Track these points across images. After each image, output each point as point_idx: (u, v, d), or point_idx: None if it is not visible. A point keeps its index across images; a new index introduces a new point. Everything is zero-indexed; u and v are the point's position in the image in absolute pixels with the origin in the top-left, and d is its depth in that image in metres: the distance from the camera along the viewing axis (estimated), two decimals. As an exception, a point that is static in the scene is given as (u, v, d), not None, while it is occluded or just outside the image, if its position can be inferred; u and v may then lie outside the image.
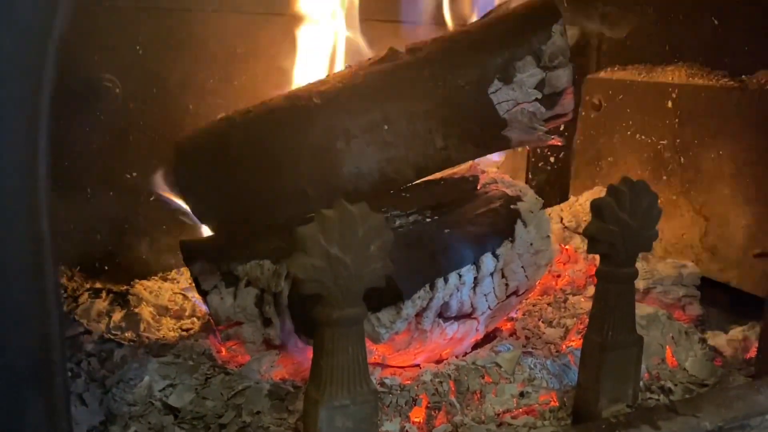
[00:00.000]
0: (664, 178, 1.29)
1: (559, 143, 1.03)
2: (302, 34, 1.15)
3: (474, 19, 1.05)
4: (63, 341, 0.46)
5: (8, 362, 0.43)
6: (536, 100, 0.95)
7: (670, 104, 1.27)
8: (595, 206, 0.79)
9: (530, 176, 1.52)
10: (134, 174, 1.16)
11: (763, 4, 1.14)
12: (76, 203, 1.13)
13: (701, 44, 1.26)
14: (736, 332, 1.08)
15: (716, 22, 1.22)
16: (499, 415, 0.86)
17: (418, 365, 0.93)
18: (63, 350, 0.45)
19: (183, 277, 1.21)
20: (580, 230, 1.31)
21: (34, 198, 0.43)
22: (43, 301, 0.44)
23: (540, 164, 1.53)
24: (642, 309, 1.03)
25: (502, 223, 0.98)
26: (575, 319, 1.09)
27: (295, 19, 1.14)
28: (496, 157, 1.15)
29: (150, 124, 1.16)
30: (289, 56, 1.15)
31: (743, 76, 1.17)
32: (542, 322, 1.10)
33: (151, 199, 1.17)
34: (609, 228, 0.78)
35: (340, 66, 1.14)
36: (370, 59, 1.02)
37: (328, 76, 1.03)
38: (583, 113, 1.45)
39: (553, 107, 0.96)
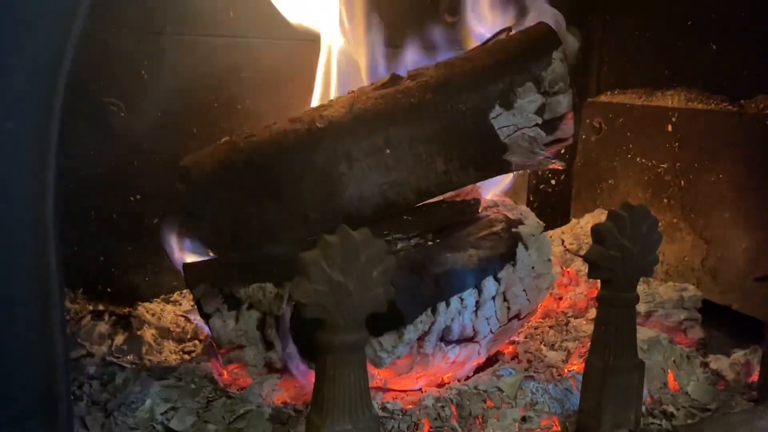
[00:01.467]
0: (665, 201, 1.29)
1: (560, 167, 1.04)
2: (306, 59, 1.16)
3: (475, 45, 1.06)
4: (68, 371, 0.46)
5: (13, 393, 0.43)
6: (537, 125, 0.96)
7: (670, 128, 1.28)
8: (596, 231, 0.79)
9: (531, 198, 1.53)
10: (138, 197, 1.17)
11: (760, 30, 1.15)
12: (80, 225, 1.14)
13: (700, 69, 1.27)
14: (738, 356, 1.08)
15: (715, 47, 1.23)
16: (501, 439, 0.86)
17: (420, 389, 0.93)
18: (68, 380, 0.46)
19: (185, 300, 1.21)
20: (582, 253, 1.31)
21: (42, 230, 0.44)
22: (49, 331, 0.44)
23: (541, 187, 1.53)
24: (643, 333, 1.03)
25: (503, 246, 0.99)
26: (577, 342, 1.09)
27: (299, 44, 1.16)
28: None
29: (154, 148, 1.17)
30: (293, 81, 1.16)
31: (742, 101, 1.19)
32: (544, 345, 1.10)
33: (155, 221, 1.17)
34: (609, 253, 0.78)
35: (343, 91, 1.16)
36: (372, 84, 1.03)
37: (331, 100, 1.04)
38: (584, 136, 1.46)
39: (554, 132, 0.97)
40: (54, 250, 0.45)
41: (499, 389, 0.91)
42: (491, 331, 0.96)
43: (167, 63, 1.16)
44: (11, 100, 0.41)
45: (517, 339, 1.11)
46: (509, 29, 1.04)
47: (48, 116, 0.42)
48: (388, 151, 0.96)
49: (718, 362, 1.07)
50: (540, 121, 0.96)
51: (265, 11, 1.14)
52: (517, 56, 0.97)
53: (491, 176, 1.08)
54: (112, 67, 1.12)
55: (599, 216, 1.37)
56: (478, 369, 1.00)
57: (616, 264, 0.79)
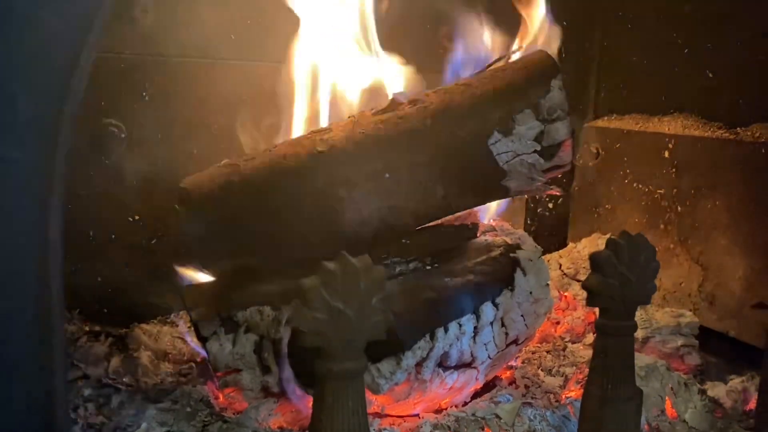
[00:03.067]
0: (662, 226, 1.30)
1: (558, 193, 1.04)
2: (307, 82, 1.17)
3: (475, 71, 1.07)
4: (67, 399, 0.46)
5: (12, 423, 0.42)
6: (535, 151, 0.96)
7: (666, 154, 1.29)
8: (594, 260, 0.79)
9: (529, 222, 1.53)
10: (136, 217, 1.17)
11: (755, 59, 1.17)
12: (78, 246, 1.14)
13: (697, 96, 1.29)
14: (736, 383, 1.08)
15: (711, 75, 1.25)
16: (498, 467, 0.86)
17: (417, 415, 0.93)
18: (67, 408, 0.45)
19: (182, 321, 1.21)
20: (579, 277, 1.32)
21: (45, 257, 0.44)
22: (49, 359, 0.44)
23: (539, 211, 1.54)
24: (641, 359, 1.03)
25: (501, 271, 0.99)
26: (574, 367, 1.09)
27: (300, 68, 1.17)
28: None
29: (154, 169, 1.17)
30: (294, 104, 1.17)
31: (738, 129, 1.20)
32: (541, 370, 1.10)
33: (153, 242, 1.17)
34: (608, 281, 0.79)
35: (344, 115, 1.16)
36: (372, 109, 1.04)
37: (331, 124, 1.05)
38: (581, 161, 1.47)
39: (552, 158, 0.97)
40: (56, 276, 0.45)
41: (497, 416, 0.91)
42: (489, 357, 0.95)
43: (168, 85, 1.17)
44: (18, 130, 0.41)
45: (514, 364, 1.11)
46: (508, 56, 1.05)
47: (54, 145, 0.43)
48: (387, 176, 0.96)
49: (716, 389, 1.08)
50: (538, 147, 0.96)
51: (266, 35, 1.15)
52: (515, 83, 0.98)
53: (490, 201, 1.08)
54: (113, 88, 1.12)
55: (596, 240, 1.38)
56: (476, 394, 0.99)
57: (615, 292, 0.79)
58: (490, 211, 1.18)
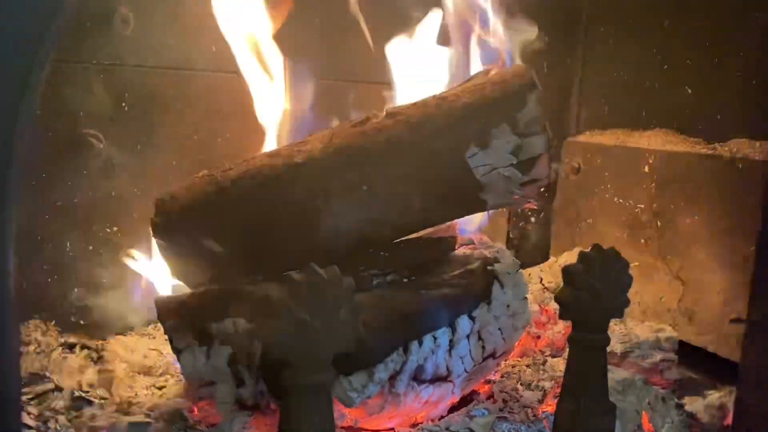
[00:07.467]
0: (642, 241, 1.30)
1: (534, 207, 1.05)
2: (286, 93, 1.17)
3: (452, 85, 1.08)
4: (19, 408, 0.45)
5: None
6: (512, 165, 0.96)
7: (646, 169, 1.30)
8: (566, 272, 0.80)
9: (511, 236, 1.54)
10: (114, 228, 1.16)
11: (730, 76, 1.18)
12: (55, 256, 1.13)
13: (676, 111, 1.29)
14: (713, 398, 1.08)
15: (690, 91, 1.26)
16: (472, 482, 0.85)
17: (392, 429, 0.92)
18: (19, 417, 0.45)
19: (159, 333, 1.20)
20: (560, 291, 1.31)
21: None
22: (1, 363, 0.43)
23: (521, 225, 1.54)
24: (618, 374, 1.03)
25: (478, 284, 0.99)
26: (553, 381, 1.08)
27: (279, 79, 1.17)
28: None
29: (133, 180, 1.17)
30: (273, 115, 1.17)
31: (716, 144, 1.20)
32: (520, 384, 1.09)
33: (131, 253, 1.17)
34: (580, 294, 0.79)
35: (321, 127, 1.16)
36: (350, 121, 1.04)
37: (309, 136, 1.05)
38: (563, 175, 1.48)
39: (529, 172, 0.97)
40: (10, 285, 0.44)
41: (471, 430, 0.90)
42: (465, 370, 0.95)
43: (148, 95, 1.17)
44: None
45: (493, 378, 1.10)
46: (487, 71, 1.05)
47: (7, 158, 0.42)
48: (365, 188, 0.96)
49: (694, 404, 1.07)
50: (515, 161, 0.96)
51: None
52: (492, 97, 0.98)
53: (468, 214, 1.08)
54: (92, 98, 1.12)
55: (577, 255, 1.38)
56: (453, 408, 0.99)
57: (586, 305, 0.79)
58: (473, 225, 1.18)
